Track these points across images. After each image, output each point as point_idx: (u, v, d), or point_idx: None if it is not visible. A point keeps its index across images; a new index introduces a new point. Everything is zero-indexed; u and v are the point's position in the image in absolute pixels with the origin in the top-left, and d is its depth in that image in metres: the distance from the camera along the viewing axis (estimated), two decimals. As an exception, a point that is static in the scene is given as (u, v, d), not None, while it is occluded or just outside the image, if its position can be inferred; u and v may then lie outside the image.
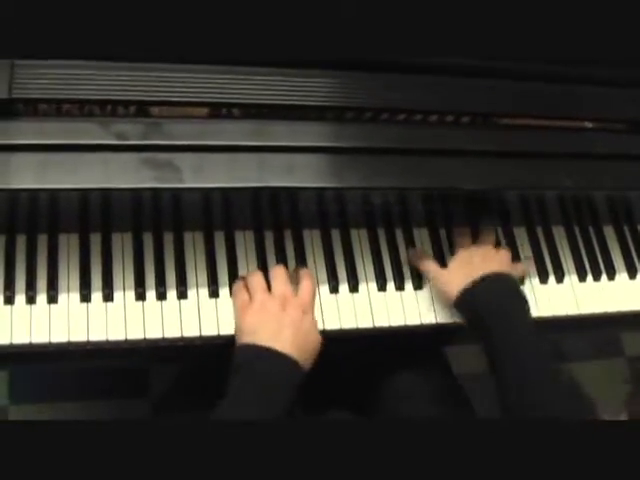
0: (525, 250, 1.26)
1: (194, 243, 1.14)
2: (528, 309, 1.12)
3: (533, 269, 1.24)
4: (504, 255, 1.18)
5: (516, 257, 1.23)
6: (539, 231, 1.27)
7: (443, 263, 1.19)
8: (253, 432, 0.82)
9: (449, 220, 1.23)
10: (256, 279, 1.09)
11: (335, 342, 1.15)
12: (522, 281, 1.22)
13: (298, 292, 1.10)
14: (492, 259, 1.16)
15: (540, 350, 1.07)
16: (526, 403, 1.02)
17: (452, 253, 1.20)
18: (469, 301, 1.12)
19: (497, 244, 1.22)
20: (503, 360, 1.06)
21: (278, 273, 1.10)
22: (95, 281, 1.08)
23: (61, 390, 1.44)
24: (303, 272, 1.12)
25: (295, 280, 1.12)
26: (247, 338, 1.04)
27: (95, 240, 1.10)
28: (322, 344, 1.07)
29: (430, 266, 1.17)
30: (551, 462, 0.79)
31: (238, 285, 1.10)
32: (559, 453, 0.79)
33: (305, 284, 1.10)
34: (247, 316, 1.06)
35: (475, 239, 1.21)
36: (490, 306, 1.10)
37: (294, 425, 0.85)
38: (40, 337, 1.04)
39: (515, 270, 1.18)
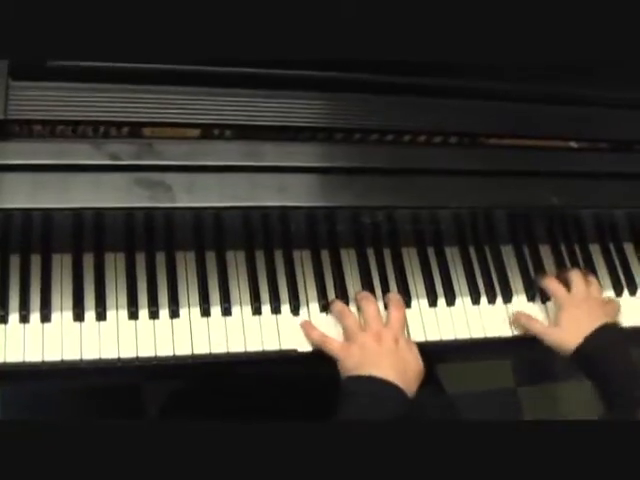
0: (512, 268, 1.27)
1: (186, 262, 1.15)
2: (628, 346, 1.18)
3: (520, 287, 1.26)
4: (599, 298, 1.24)
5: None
6: (525, 250, 1.29)
7: (431, 283, 1.21)
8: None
9: (437, 239, 1.24)
10: (351, 320, 1.14)
11: (323, 361, 1.16)
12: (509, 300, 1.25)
13: (388, 321, 1.14)
14: (595, 307, 1.21)
15: None
16: None
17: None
18: (587, 356, 1.16)
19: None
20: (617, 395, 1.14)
21: (370, 308, 1.15)
22: (88, 300, 1.09)
23: (52, 409, 1.44)
24: (392, 299, 1.17)
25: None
26: (352, 373, 1.08)
27: (88, 259, 1.11)
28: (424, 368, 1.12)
29: (541, 329, 1.21)
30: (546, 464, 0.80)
31: (322, 337, 1.13)
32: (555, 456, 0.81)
33: (394, 313, 1.15)
34: (350, 358, 1.10)
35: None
36: (607, 357, 1.15)
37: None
38: (33, 356, 1.05)
39: (612, 308, 1.25)
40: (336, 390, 1.07)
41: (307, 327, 1.14)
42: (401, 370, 1.09)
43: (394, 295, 1.18)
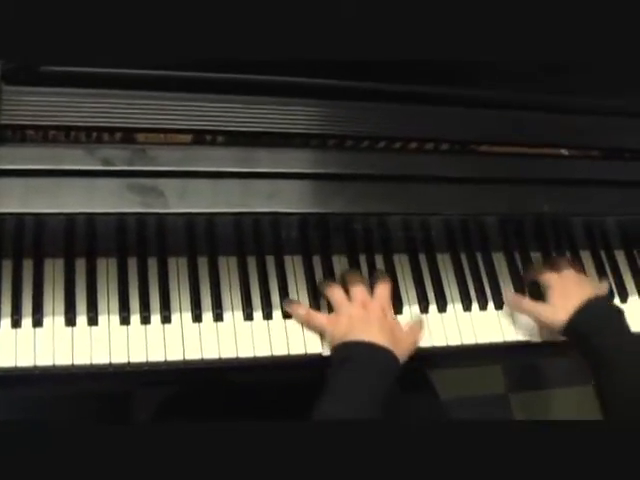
0: (503, 275, 1.28)
1: (178, 268, 1.15)
2: (624, 319, 1.19)
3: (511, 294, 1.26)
4: (588, 278, 1.28)
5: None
6: (517, 256, 1.29)
7: (423, 289, 1.22)
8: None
9: (429, 246, 1.25)
10: (337, 293, 1.16)
11: (315, 365, 1.16)
12: (500, 306, 1.26)
13: (374, 294, 1.17)
14: (584, 283, 1.24)
15: None
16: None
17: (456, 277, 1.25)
18: (578, 329, 1.18)
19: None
20: (612, 371, 1.14)
21: (355, 281, 1.17)
22: (80, 305, 1.09)
23: (43, 414, 1.44)
24: (379, 275, 1.19)
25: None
26: (338, 341, 1.11)
27: (80, 264, 1.11)
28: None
29: (532, 306, 1.23)
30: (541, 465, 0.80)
31: (306, 311, 1.15)
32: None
33: (380, 287, 1.17)
34: (337, 327, 1.13)
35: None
36: (599, 329, 1.17)
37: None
38: (25, 361, 1.05)
39: (602, 287, 1.27)
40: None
41: (292, 305, 1.16)
42: (390, 336, 1.11)
43: (380, 271, 1.20)
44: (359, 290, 1.16)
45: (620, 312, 1.19)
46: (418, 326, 1.18)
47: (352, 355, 1.08)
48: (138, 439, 0.82)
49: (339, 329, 1.12)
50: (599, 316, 1.18)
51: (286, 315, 1.15)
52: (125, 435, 0.82)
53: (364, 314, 1.13)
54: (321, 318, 1.14)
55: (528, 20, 1.03)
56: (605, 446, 0.83)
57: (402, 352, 1.11)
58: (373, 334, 1.09)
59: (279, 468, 0.80)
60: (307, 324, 1.15)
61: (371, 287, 1.19)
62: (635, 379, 1.12)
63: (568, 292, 1.21)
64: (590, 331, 1.16)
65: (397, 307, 1.20)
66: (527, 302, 1.23)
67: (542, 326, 1.22)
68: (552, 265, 1.26)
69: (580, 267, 1.29)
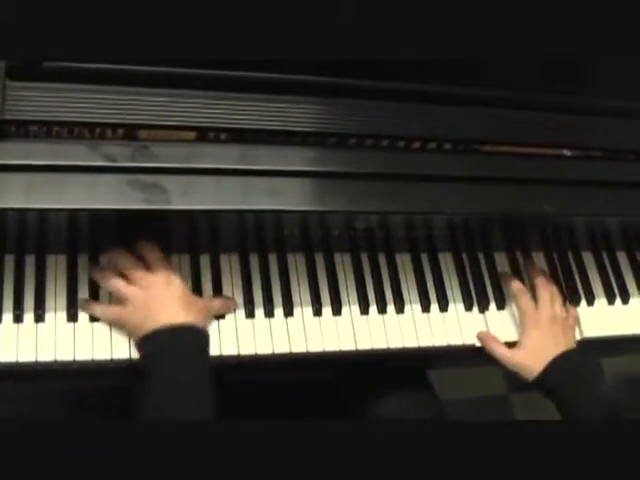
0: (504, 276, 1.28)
1: (180, 265, 1.15)
2: (600, 374, 1.20)
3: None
4: (563, 317, 1.23)
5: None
6: (519, 256, 1.29)
7: (424, 288, 1.22)
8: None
9: (431, 245, 1.25)
10: (114, 283, 1.08)
11: (317, 365, 1.16)
12: (501, 307, 1.25)
13: (151, 267, 1.09)
14: (559, 333, 1.20)
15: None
16: None
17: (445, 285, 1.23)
18: (550, 383, 1.16)
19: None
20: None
21: (123, 260, 1.09)
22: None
23: (43, 409, 1.43)
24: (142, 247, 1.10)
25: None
26: (139, 335, 1.05)
27: (83, 260, 1.12)
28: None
29: (501, 350, 1.20)
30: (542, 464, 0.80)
31: (97, 307, 1.10)
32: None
33: (152, 255, 1.10)
34: (131, 319, 1.07)
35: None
36: (569, 387, 1.15)
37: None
38: (26, 356, 1.05)
39: (575, 328, 1.25)
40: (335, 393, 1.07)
41: (88, 305, 1.10)
42: (182, 304, 1.07)
43: (143, 244, 1.11)
44: (132, 269, 1.08)
45: (592, 362, 1.19)
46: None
47: (156, 348, 1.04)
48: (139, 434, 0.82)
49: (133, 319, 1.06)
50: (572, 371, 1.16)
51: (288, 313, 1.15)
52: (126, 430, 0.82)
53: (148, 294, 1.07)
54: (114, 312, 1.08)
55: (532, 19, 1.03)
56: (606, 446, 0.83)
57: (202, 315, 1.08)
58: (166, 313, 1.05)
59: (276, 467, 0.80)
60: (106, 320, 1.09)
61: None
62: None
63: (542, 342, 1.19)
64: (562, 386, 1.15)
65: (399, 307, 1.20)
66: (498, 348, 1.20)
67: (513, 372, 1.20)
68: (536, 293, 1.24)
69: (555, 290, 1.25)
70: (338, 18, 0.99)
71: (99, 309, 1.09)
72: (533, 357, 1.17)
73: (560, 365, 1.16)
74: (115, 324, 1.09)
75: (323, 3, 0.98)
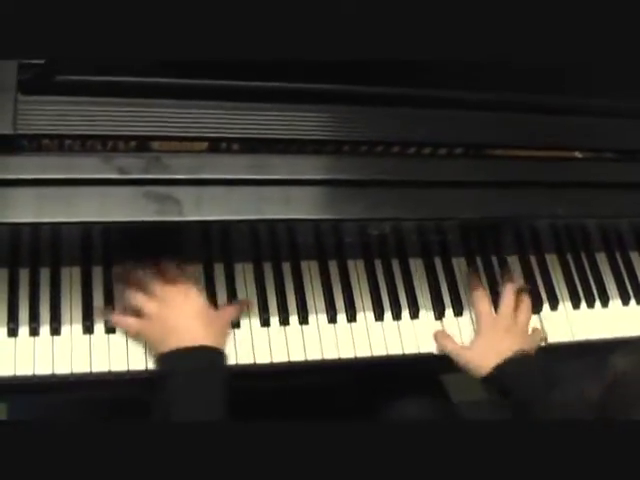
0: (518, 279, 1.28)
1: (194, 275, 1.15)
2: (546, 379, 1.15)
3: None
4: (523, 325, 1.21)
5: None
6: (532, 259, 1.29)
7: (438, 294, 1.22)
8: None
9: (444, 250, 1.25)
10: (135, 298, 1.09)
11: (333, 371, 1.16)
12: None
13: (169, 281, 1.09)
14: (513, 335, 1.19)
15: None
16: None
17: (446, 288, 1.24)
18: (497, 384, 1.15)
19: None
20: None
21: (139, 275, 1.10)
22: (97, 313, 1.10)
23: (59, 421, 1.44)
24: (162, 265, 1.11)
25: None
26: (157, 350, 1.06)
27: (97, 272, 1.12)
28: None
29: (452, 346, 1.19)
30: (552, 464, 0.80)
31: (117, 318, 1.10)
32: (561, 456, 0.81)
33: (170, 268, 1.10)
34: (150, 335, 1.07)
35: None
36: (515, 388, 1.13)
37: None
38: (43, 369, 1.06)
39: (534, 338, 1.22)
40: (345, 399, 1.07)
41: (112, 317, 1.10)
42: (200, 322, 1.07)
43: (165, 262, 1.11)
44: (151, 284, 1.09)
45: (542, 368, 1.16)
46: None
47: (172, 369, 1.03)
48: (152, 439, 0.82)
49: (153, 335, 1.07)
50: (518, 375, 1.14)
51: (303, 321, 1.16)
52: (139, 435, 0.82)
53: (167, 309, 1.07)
54: (133, 325, 1.08)
55: (542, 21, 1.03)
56: (607, 446, 0.83)
57: (220, 330, 1.09)
58: (185, 330, 1.05)
59: (289, 470, 0.80)
60: (123, 330, 1.09)
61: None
62: None
63: (494, 343, 1.17)
64: (510, 388, 1.13)
65: (414, 313, 1.20)
66: (448, 343, 1.19)
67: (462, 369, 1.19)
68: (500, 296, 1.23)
69: (525, 298, 1.23)
70: (347, 20, 0.99)
71: (117, 319, 1.09)
72: (481, 357, 1.16)
73: (508, 367, 1.14)
74: (133, 336, 1.09)
75: (325, 4, 0.98)
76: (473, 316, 1.22)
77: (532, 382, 1.14)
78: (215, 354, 1.06)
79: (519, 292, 1.23)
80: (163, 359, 1.05)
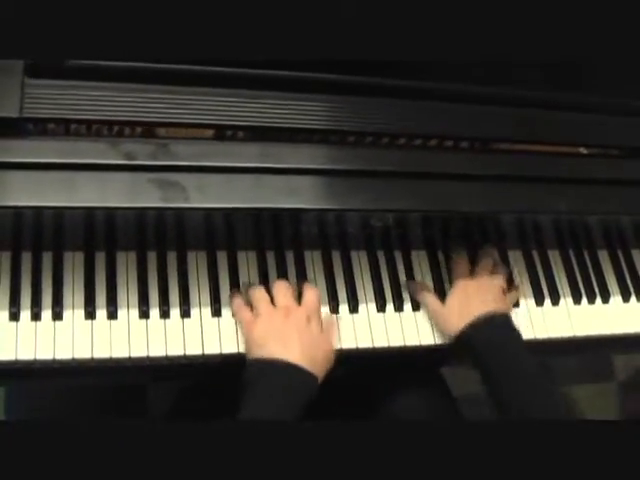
0: (520, 273, 1.28)
1: (197, 262, 1.15)
2: (521, 342, 1.16)
3: (529, 291, 1.27)
4: (497, 286, 1.20)
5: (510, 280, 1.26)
6: (535, 254, 1.29)
7: (441, 286, 1.22)
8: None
9: (447, 243, 1.25)
10: (259, 294, 1.11)
11: (334, 362, 1.16)
12: (517, 304, 1.25)
13: (302, 301, 1.12)
14: (487, 294, 1.18)
15: (533, 372, 1.12)
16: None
17: (450, 279, 1.23)
18: (467, 342, 1.14)
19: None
20: (500, 390, 1.11)
21: (280, 286, 1.12)
22: (99, 299, 1.09)
23: (59, 407, 1.44)
24: (306, 284, 1.15)
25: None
26: (256, 352, 1.06)
27: (100, 258, 1.12)
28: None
29: (428, 299, 1.19)
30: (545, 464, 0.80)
31: (238, 302, 1.12)
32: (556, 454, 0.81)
33: (308, 293, 1.13)
34: (254, 331, 1.08)
35: (472, 264, 1.23)
36: (488, 348, 1.13)
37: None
38: (45, 354, 1.05)
39: (509, 299, 1.22)
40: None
41: (232, 295, 1.14)
42: (309, 349, 1.06)
43: (308, 283, 1.15)
44: (283, 295, 1.11)
45: (517, 334, 1.16)
46: (332, 330, 1.14)
47: (266, 375, 1.04)
48: (152, 434, 0.82)
49: (256, 332, 1.08)
50: (491, 335, 1.14)
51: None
52: (140, 430, 0.82)
53: (284, 322, 1.08)
54: (245, 314, 1.11)
55: (548, 16, 1.03)
56: (608, 445, 0.83)
57: (322, 364, 1.08)
58: (290, 346, 1.05)
59: (285, 466, 0.80)
60: (237, 316, 1.12)
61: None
62: (522, 397, 1.10)
63: (467, 299, 1.17)
64: (481, 348, 1.13)
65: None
66: (424, 294, 1.20)
67: (437, 327, 1.19)
68: (473, 264, 1.23)
69: (501, 270, 1.24)
70: (353, 16, 0.99)
71: (237, 305, 1.11)
72: (455, 315, 1.16)
73: (481, 325, 1.13)
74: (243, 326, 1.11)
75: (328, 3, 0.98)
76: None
77: (504, 343, 1.14)
78: (307, 377, 1.05)
79: (495, 263, 1.24)
80: (256, 363, 1.05)
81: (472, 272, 1.22)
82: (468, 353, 1.15)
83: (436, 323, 1.19)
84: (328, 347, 1.11)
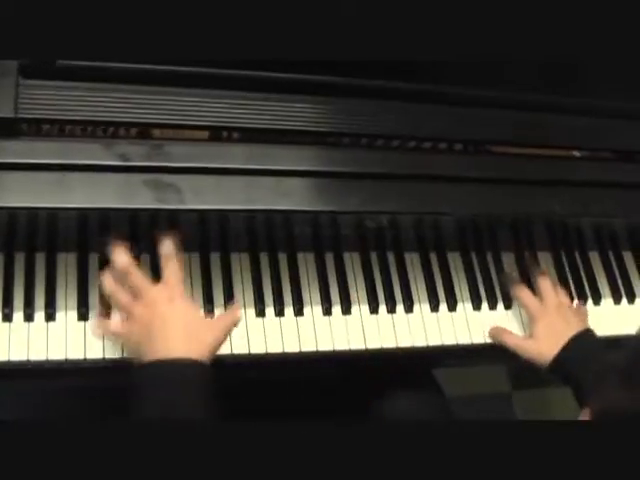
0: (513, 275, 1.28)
1: (190, 264, 1.15)
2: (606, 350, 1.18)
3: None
4: (568, 304, 1.24)
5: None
6: (527, 256, 1.30)
7: (434, 288, 1.22)
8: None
9: (439, 245, 1.25)
10: (118, 297, 1.02)
11: (327, 364, 1.16)
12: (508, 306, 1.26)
13: (162, 279, 1.02)
14: (565, 315, 1.21)
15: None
16: None
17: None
18: (564, 366, 1.16)
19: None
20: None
21: (132, 272, 1.01)
22: (93, 300, 1.09)
23: (49, 407, 1.43)
24: (164, 256, 1.03)
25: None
26: (140, 358, 0.98)
27: (94, 259, 1.11)
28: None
29: (515, 340, 1.20)
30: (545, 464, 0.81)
31: (100, 324, 1.05)
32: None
33: (166, 269, 1.02)
34: (129, 337, 1.01)
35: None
36: (584, 365, 1.15)
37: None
38: (37, 354, 1.05)
39: (582, 312, 1.26)
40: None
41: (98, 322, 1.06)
42: (187, 331, 0.98)
43: (165, 246, 1.03)
44: (139, 285, 1.00)
45: (603, 344, 1.19)
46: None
47: (153, 383, 0.95)
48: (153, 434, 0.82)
49: (132, 338, 1.00)
50: (585, 351, 1.17)
51: (298, 312, 1.15)
52: (130, 430, 0.82)
53: (150, 314, 0.98)
54: (114, 327, 1.03)
55: (543, 20, 1.03)
56: (608, 445, 0.83)
57: (204, 345, 0.99)
58: (169, 339, 0.96)
59: (279, 467, 0.80)
60: (108, 335, 1.05)
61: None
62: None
63: (554, 326, 1.19)
64: (578, 367, 1.14)
65: (408, 306, 1.20)
66: (511, 337, 1.20)
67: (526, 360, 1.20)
68: (536, 287, 1.24)
69: (558, 286, 1.26)
70: (348, 18, 0.99)
71: (98, 327, 1.05)
72: (545, 343, 1.18)
73: (574, 345, 1.16)
74: (117, 338, 1.05)
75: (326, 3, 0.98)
76: (466, 311, 1.23)
77: (596, 357, 1.15)
78: (194, 367, 0.96)
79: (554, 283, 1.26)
80: (136, 371, 0.98)
81: (538, 297, 1.23)
82: (564, 375, 1.17)
83: (525, 358, 1.19)
84: (200, 320, 1.05)
